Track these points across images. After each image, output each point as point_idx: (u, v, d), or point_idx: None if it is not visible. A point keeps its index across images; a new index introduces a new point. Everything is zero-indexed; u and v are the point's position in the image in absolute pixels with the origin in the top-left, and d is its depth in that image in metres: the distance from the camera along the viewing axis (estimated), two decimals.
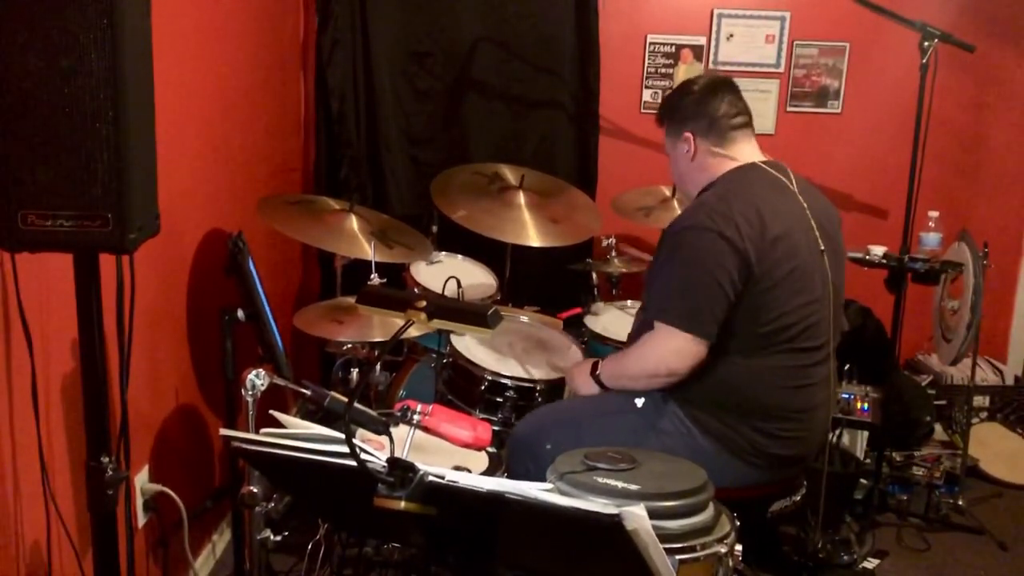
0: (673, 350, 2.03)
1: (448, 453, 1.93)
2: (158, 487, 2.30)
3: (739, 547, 1.66)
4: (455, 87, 3.75)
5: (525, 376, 2.54)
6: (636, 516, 1.11)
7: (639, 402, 2.15)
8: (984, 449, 3.55)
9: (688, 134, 2.19)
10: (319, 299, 3.50)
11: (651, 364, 2.09)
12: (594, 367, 2.27)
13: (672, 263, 2.08)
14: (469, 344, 2.64)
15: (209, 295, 2.62)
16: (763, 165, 2.17)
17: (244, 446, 1.45)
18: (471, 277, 3.12)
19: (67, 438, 1.89)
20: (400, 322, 1.66)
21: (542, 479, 1.69)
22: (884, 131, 3.82)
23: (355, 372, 2.79)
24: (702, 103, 2.18)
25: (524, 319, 2.93)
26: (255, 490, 1.86)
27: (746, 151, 2.18)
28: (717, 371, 2.06)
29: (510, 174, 3.25)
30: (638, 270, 3.18)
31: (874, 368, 3.20)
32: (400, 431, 1.60)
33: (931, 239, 3.11)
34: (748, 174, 2.14)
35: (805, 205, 2.13)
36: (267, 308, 2.29)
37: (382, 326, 2.57)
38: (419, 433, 1.68)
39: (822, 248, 2.11)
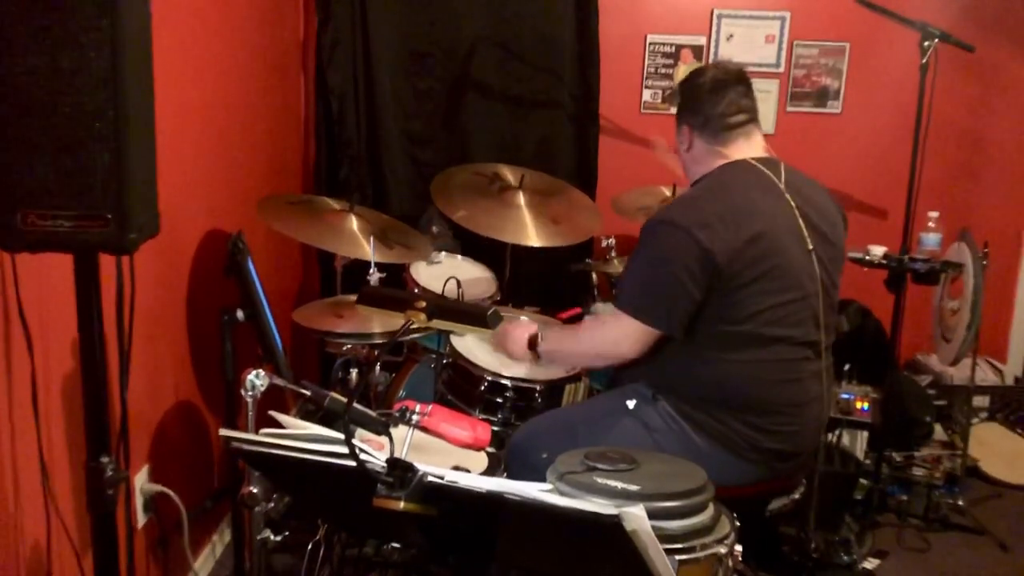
0: (628, 336, 2.09)
1: (448, 453, 1.93)
2: (158, 487, 2.30)
3: (739, 547, 1.66)
4: (455, 87, 3.75)
5: (525, 376, 2.54)
6: (636, 517, 1.11)
7: (630, 404, 2.16)
8: (984, 449, 3.54)
9: (686, 128, 2.21)
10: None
11: (602, 345, 2.17)
12: (534, 339, 2.30)
13: (641, 255, 2.12)
14: (469, 344, 2.64)
15: (209, 295, 2.62)
16: (754, 162, 2.16)
17: (244, 446, 1.45)
18: (471, 277, 3.12)
19: (67, 438, 1.89)
20: (400, 319, 1.66)
21: None
22: (884, 131, 3.82)
23: (355, 372, 2.80)
24: (702, 100, 2.19)
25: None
26: (255, 490, 1.86)
27: (742, 148, 2.17)
28: (703, 368, 2.07)
29: (510, 174, 3.25)
30: None
31: (874, 368, 3.20)
32: (399, 431, 1.60)
33: (931, 239, 3.11)
34: (734, 172, 2.15)
35: (793, 204, 2.12)
36: (267, 308, 2.29)
37: (381, 321, 2.57)
38: (419, 433, 1.68)
39: (811, 247, 2.11)
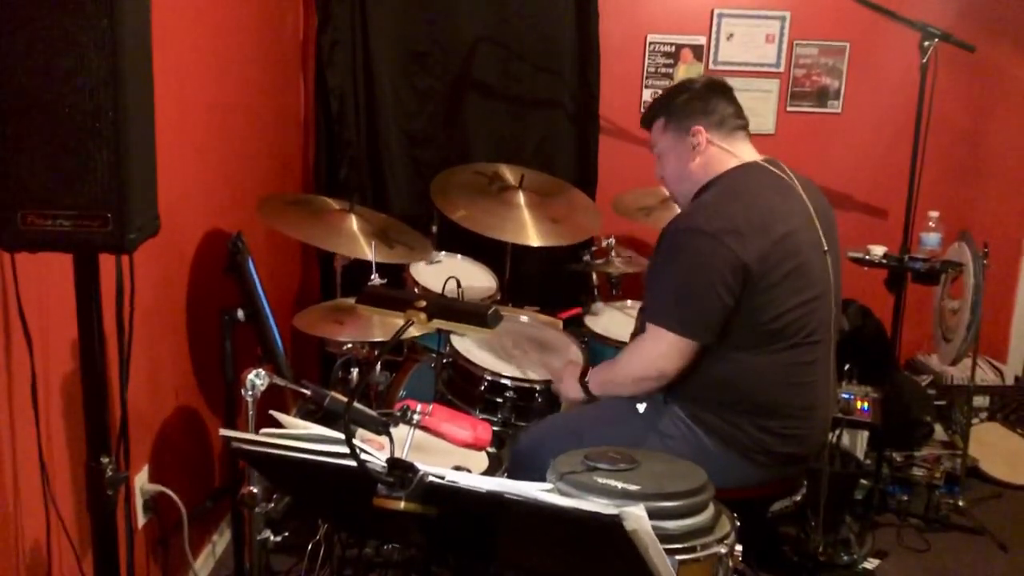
0: (664, 353, 2.04)
1: (448, 453, 1.93)
2: (158, 487, 2.30)
3: (739, 547, 1.66)
4: (455, 87, 3.75)
5: (525, 376, 2.54)
6: (636, 516, 1.11)
7: (640, 407, 2.14)
8: (984, 449, 3.54)
9: (699, 128, 2.16)
10: (319, 299, 3.51)
11: (642, 367, 2.10)
12: (583, 373, 2.27)
13: (670, 265, 2.07)
14: (469, 344, 2.64)
15: (209, 295, 2.62)
16: (763, 164, 2.17)
17: (244, 446, 1.45)
18: (471, 277, 3.12)
19: (67, 438, 1.89)
20: (400, 322, 1.66)
21: None
22: (884, 131, 3.82)
23: (355, 372, 2.79)
24: (709, 99, 2.18)
25: (524, 319, 2.93)
26: (255, 490, 1.87)
27: (748, 150, 2.19)
28: (719, 369, 2.06)
29: (510, 174, 3.25)
30: (638, 270, 3.18)
31: (874, 368, 3.20)
32: (400, 431, 1.60)
33: (931, 239, 3.11)
34: (750, 173, 2.14)
35: (808, 203, 2.13)
36: (267, 308, 2.28)
37: (382, 326, 2.57)
38: (419, 433, 1.68)
39: (825, 248, 2.11)
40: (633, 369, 2.12)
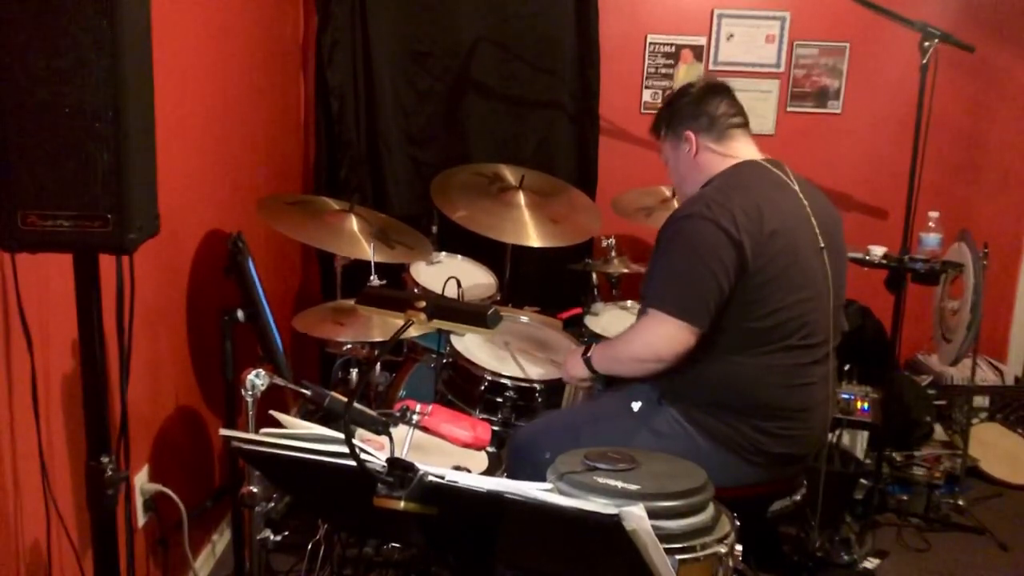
0: (663, 336, 2.04)
1: (448, 453, 1.93)
2: (158, 487, 2.30)
3: (739, 547, 1.66)
4: (455, 87, 3.75)
5: (525, 376, 2.54)
6: (636, 516, 1.11)
7: (635, 406, 2.15)
8: (984, 449, 3.54)
9: (689, 133, 2.20)
10: (319, 299, 3.51)
11: (640, 348, 2.11)
12: (586, 350, 2.28)
13: (669, 251, 2.09)
14: (469, 344, 2.64)
15: (209, 295, 2.62)
16: (763, 163, 2.18)
17: (244, 446, 1.45)
18: (471, 277, 3.12)
19: (67, 438, 1.89)
20: (400, 323, 1.66)
21: None
22: (884, 131, 3.82)
23: (355, 372, 2.80)
24: (701, 103, 2.20)
25: (524, 319, 2.93)
26: (255, 490, 1.86)
27: (745, 150, 2.19)
28: (715, 369, 2.06)
29: (510, 174, 3.25)
30: (638, 270, 3.18)
31: (874, 368, 3.20)
32: (400, 431, 1.60)
33: (931, 239, 3.11)
34: (748, 170, 2.16)
35: (806, 202, 2.13)
36: (267, 308, 2.28)
37: (382, 326, 2.57)
38: (419, 433, 1.68)
39: (822, 245, 2.12)
40: (633, 350, 2.14)
